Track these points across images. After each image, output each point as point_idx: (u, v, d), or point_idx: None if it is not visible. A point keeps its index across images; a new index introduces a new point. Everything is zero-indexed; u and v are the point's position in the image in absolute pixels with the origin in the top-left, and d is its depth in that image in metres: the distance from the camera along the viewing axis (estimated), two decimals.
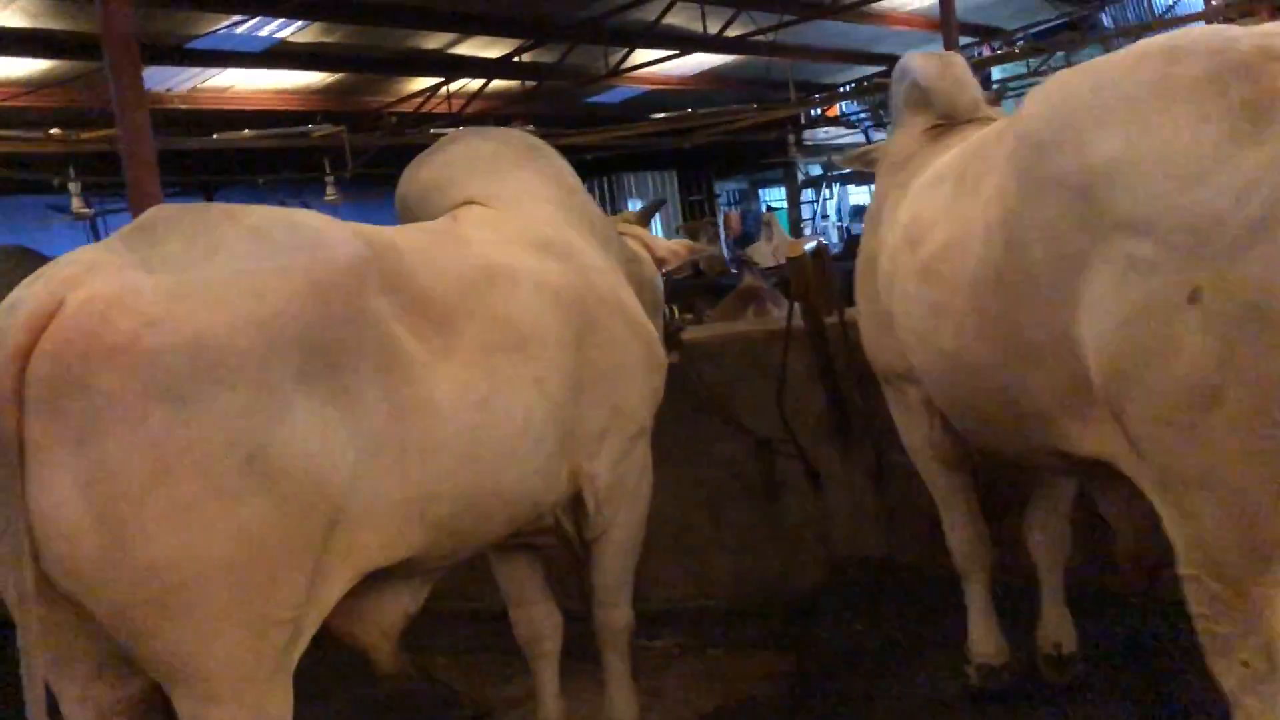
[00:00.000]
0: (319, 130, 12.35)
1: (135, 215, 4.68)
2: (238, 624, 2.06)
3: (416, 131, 13.34)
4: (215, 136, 11.71)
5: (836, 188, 21.80)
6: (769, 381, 4.20)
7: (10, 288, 2.16)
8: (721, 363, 4.33)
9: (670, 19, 11.64)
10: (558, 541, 3.21)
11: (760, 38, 12.60)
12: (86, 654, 2.15)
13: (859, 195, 23.40)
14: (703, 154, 18.03)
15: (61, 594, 2.04)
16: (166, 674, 2.09)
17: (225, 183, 14.41)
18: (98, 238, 14.53)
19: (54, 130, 10.22)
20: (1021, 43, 15.90)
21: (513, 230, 2.97)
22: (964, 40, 13.17)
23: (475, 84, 13.21)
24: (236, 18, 9.69)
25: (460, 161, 3.20)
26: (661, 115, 15.04)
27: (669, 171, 19.60)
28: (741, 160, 19.58)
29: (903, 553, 4.25)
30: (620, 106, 16.36)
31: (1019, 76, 15.65)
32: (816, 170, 21.56)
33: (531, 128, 14.34)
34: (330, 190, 12.75)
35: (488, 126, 3.53)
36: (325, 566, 2.22)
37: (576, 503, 3.02)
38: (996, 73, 16.25)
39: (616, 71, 12.36)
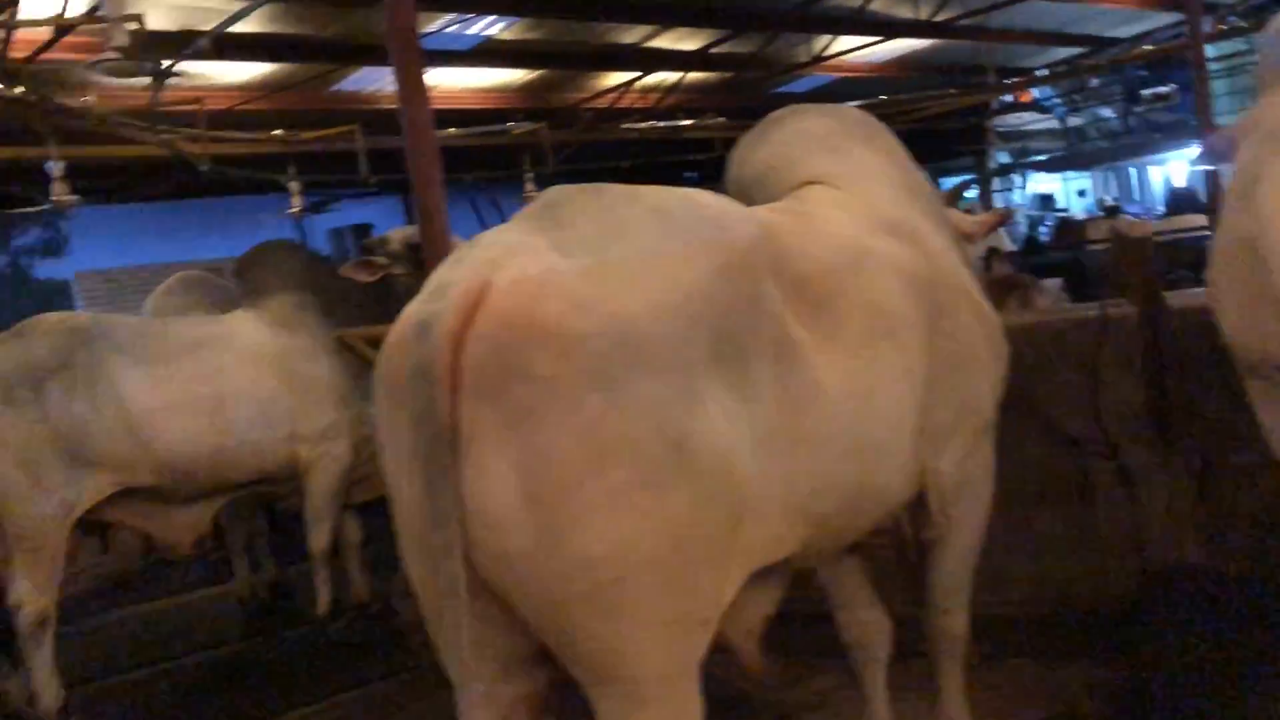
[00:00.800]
0: (520, 128, 12.52)
1: (420, 209, 4.75)
2: (665, 622, 1.96)
3: (610, 127, 13.42)
4: None
5: (1027, 175, 20.99)
6: (1076, 374, 3.92)
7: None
8: (1024, 354, 4.07)
9: (874, 4, 11.33)
10: (892, 543, 3.04)
11: (967, 20, 12.15)
12: (499, 651, 2.08)
13: (1044, 183, 22.51)
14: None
15: (488, 587, 1.97)
16: (590, 673, 1.99)
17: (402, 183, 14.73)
18: (304, 238, 15.13)
19: (276, 131, 10.60)
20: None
21: (860, 212, 2.82)
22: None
23: (667, 77, 13.12)
24: (450, 16, 9.83)
25: (799, 140, 3.05)
26: (858, 103, 14.64)
27: None
28: (929, 148, 18.97)
29: (1228, 561, 3.91)
30: (806, 96, 16.04)
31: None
32: (1004, 158, 20.79)
33: (723, 119, 14.30)
34: (529, 187, 12.91)
35: (813, 104, 3.34)
36: (728, 565, 2.11)
37: (918, 502, 2.85)
38: (1211, 50, 15.27)
39: (818, 59, 12.09)
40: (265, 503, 6.15)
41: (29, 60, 7.54)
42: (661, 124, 13.76)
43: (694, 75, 13.41)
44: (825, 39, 12.51)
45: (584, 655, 1.97)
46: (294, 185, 11.00)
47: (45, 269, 21.66)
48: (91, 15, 6.43)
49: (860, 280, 2.50)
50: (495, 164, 13.35)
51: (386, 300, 5.63)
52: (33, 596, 4.70)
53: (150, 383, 4.91)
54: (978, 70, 15.84)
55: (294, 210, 10.97)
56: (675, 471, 1.91)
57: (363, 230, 15.37)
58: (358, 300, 5.58)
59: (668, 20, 11.39)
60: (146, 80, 9.54)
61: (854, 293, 2.45)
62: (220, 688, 5.24)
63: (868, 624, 3.13)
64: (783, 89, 15.62)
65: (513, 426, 1.87)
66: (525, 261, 1.98)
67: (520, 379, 1.87)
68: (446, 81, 12.12)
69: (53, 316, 5.02)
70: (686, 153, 14.12)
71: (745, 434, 2.05)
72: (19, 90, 7.54)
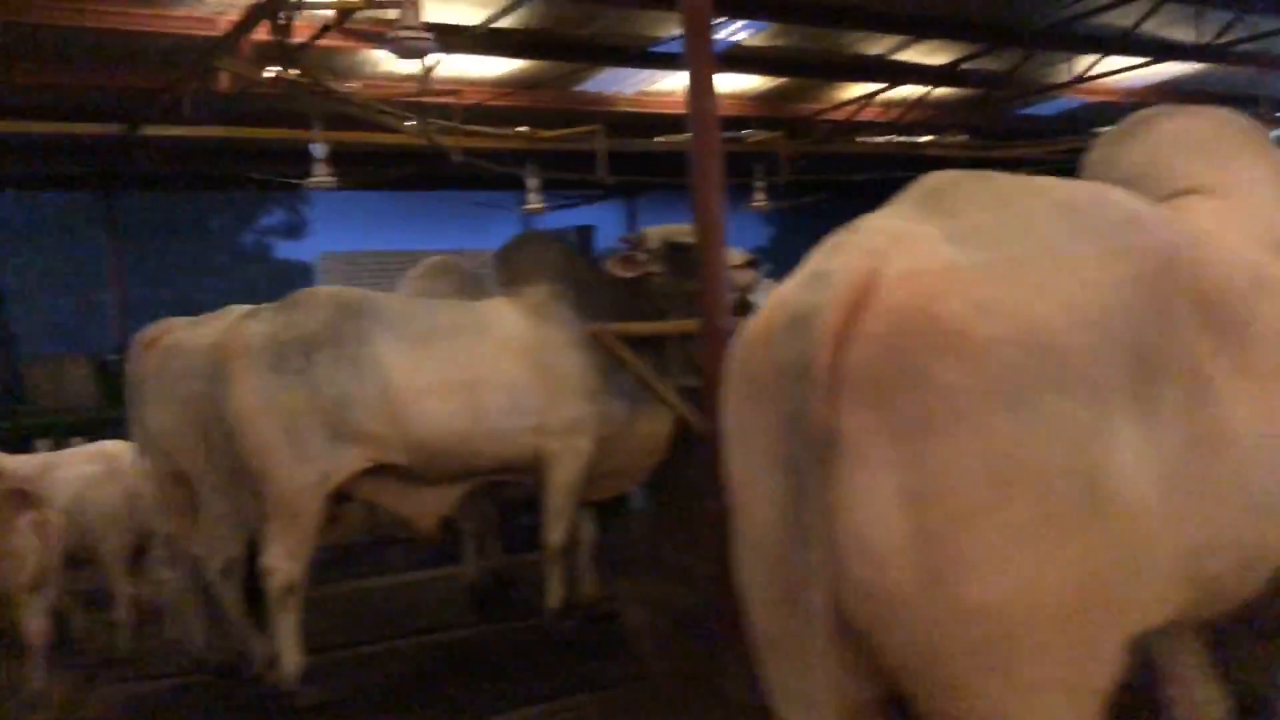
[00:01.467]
0: (756, 135, 12.36)
1: (699, 205, 4.58)
2: (1061, 688, 1.66)
3: (847, 140, 13.08)
4: (657, 140, 11.95)
5: None
6: None
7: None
8: None
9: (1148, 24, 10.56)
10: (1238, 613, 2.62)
11: (1248, 45, 11.21)
12: (842, 695, 1.83)
13: None
14: None
15: (847, 623, 1.73)
16: None
17: (652, 185, 14.79)
18: None
19: (521, 128, 10.76)
20: None
21: (1248, 227, 2.43)
22: None
23: (911, 91, 12.67)
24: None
25: (1174, 143, 2.69)
26: (1107, 130, 13.78)
27: None
28: None
29: None
30: (1054, 120, 15.24)
31: None
32: None
33: (965, 137, 13.72)
34: (759, 196, 12.74)
35: (1179, 105, 2.97)
36: (1126, 626, 1.79)
37: None
38: None
39: (1080, 80, 11.39)
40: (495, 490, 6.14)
41: (307, 45, 7.84)
42: (900, 139, 13.32)
43: (939, 91, 12.92)
44: (1084, 59, 11.83)
45: (952, 713, 1.71)
46: (532, 182, 11.15)
47: (287, 249, 22.97)
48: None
49: (1264, 306, 2.14)
50: (727, 171, 13.22)
51: (639, 299, 5.52)
52: (284, 563, 4.78)
53: (411, 362, 4.93)
54: (1250, 102, 14.68)
55: (531, 207, 11.10)
56: (1086, 510, 1.63)
57: (585, 232, 15.53)
58: (611, 297, 5.47)
59: (920, 31, 10.96)
60: (407, 71, 9.87)
61: (1261, 320, 2.10)
62: (449, 673, 5.21)
63: (1203, 704, 2.74)
64: (1029, 110, 14.91)
65: (902, 442, 1.63)
66: (917, 252, 1.73)
67: (914, 387, 1.63)
68: (686, 86, 12.08)
69: (325, 289, 5.12)
70: (925, 170, 13.65)
71: (1152, 474, 1.75)
72: (294, 73, 7.84)
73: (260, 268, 22.59)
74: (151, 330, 5.48)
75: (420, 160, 13.73)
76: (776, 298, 1.84)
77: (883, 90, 12.41)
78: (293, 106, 9.76)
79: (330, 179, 8.68)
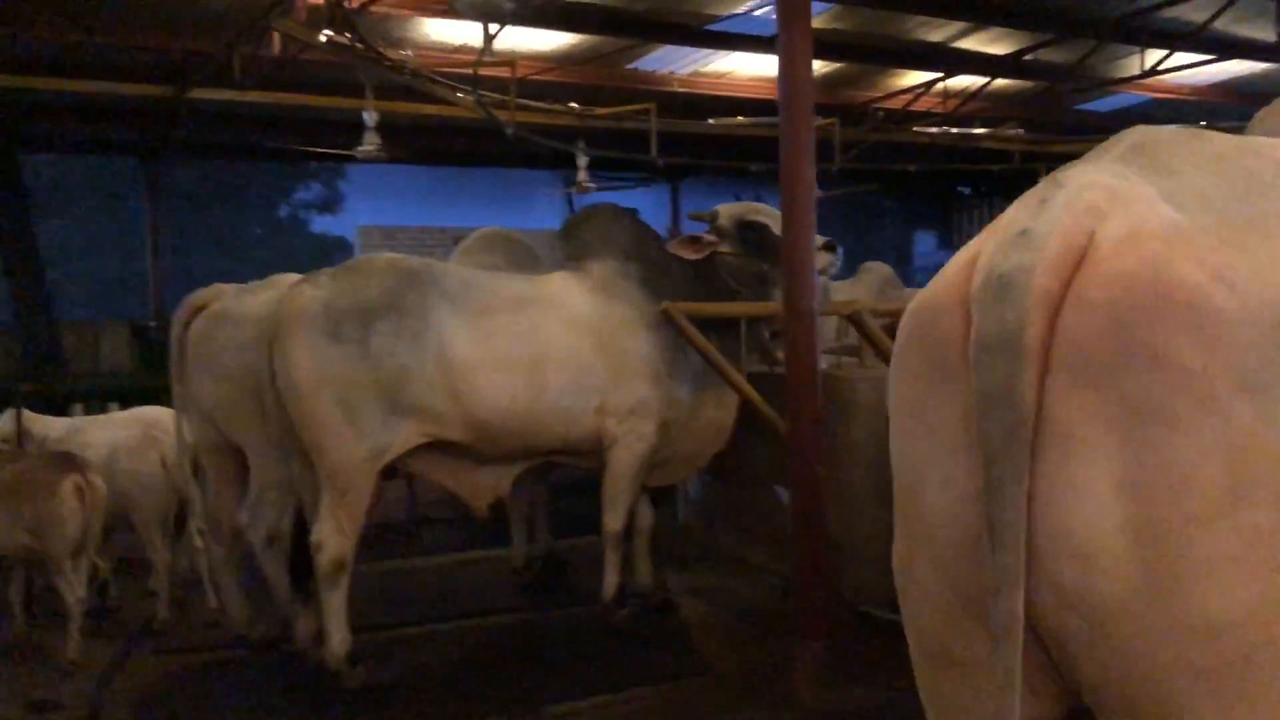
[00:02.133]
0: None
1: (787, 186, 4.36)
2: None
3: (903, 129, 12.79)
4: (710, 121, 11.71)
5: None
6: None
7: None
8: None
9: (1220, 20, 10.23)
10: None
11: None
12: (1029, 713, 1.60)
13: None
14: None
15: (1041, 632, 1.51)
16: None
17: (696, 168, 14.56)
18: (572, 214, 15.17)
19: (572, 104, 10.54)
20: None
21: None
22: None
23: (970, 82, 12.36)
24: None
25: None
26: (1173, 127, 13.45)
27: None
28: None
29: None
30: (1113, 116, 14.88)
31: None
32: None
33: (1021, 131, 13.39)
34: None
35: None
36: None
37: None
38: None
39: (1149, 73, 11.06)
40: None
41: (362, 9, 7.65)
42: (955, 130, 13.02)
43: (998, 83, 12.62)
44: (1149, 55, 11.51)
45: None
46: (582, 160, 10.93)
47: (324, 223, 22.88)
48: None
49: None
50: (774, 156, 12.96)
51: (708, 279, 5.31)
52: (335, 539, 4.60)
53: (473, 336, 4.73)
54: None
55: (580, 185, 10.89)
56: None
57: None
58: (678, 275, 5.25)
59: (985, 18, 10.65)
60: (460, 41, 9.68)
61: None
62: (500, 659, 5.02)
63: None
64: (1087, 105, 14.56)
65: (1126, 428, 1.40)
66: (1138, 212, 1.50)
67: (1143, 365, 1.40)
68: (741, 69, 11.83)
69: (385, 257, 4.91)
70: (982, 162, 13.34)
71: None
72: (348, 38, 7.65)
73: (297, 241, 22.51)
74: (200, 295, 5.30)
75: (466, 135, 13.56)
76: (964, 260, 1.61)
77: (941, 79, 12.12)
78: (341, 76, 9.60)
79: (379, 149, 8.47)
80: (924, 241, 22.86)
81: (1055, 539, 1.44)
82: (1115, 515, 1.40)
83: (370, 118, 8.40)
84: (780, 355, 5.62)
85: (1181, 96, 13.91)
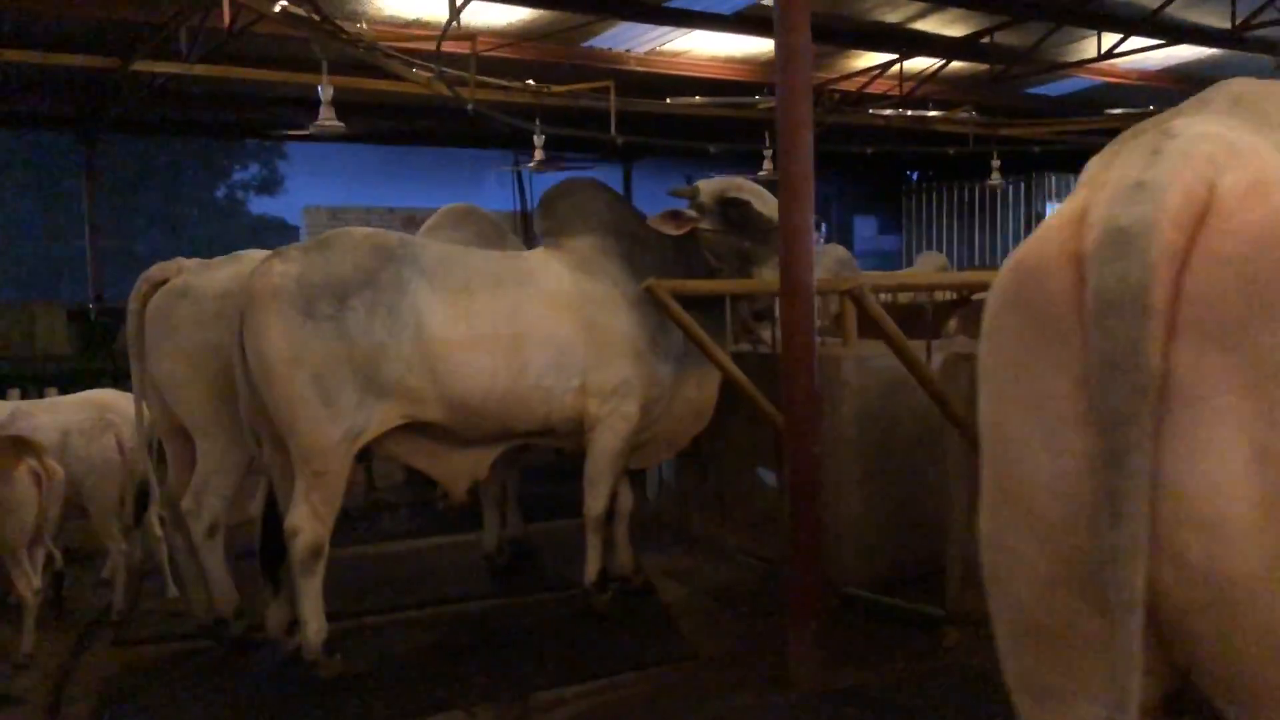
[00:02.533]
0: (767, 102, 12.02)
1: (784, 159, 4.24)
2: None
3: (857, 111, 12.77)
4: (669, 101, 11.59)
5: None
6: None
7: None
8: None
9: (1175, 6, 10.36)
10: None
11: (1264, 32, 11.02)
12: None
13: None
14: None
15: (1165, 611, 1.42)
16: None
17: (649, 149, 14.43)
18: (524, 194, 14.97)
19: (528, 81, 10.34)
20: None
21: None
22: None
23: (924, 64, 12.38)
24: None
25: None
26: (1119, 111, 13.63)
27: None
28: None
29: None
30: (1063, 100, 15.04)
31: None
32: None
33: (975, 113, 13.45)
34: (767, 164, 12.44)
35: None
36: None
37: None
38: None
39: (1100, 58, 11.17)
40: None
41: None
42: (910, 113, 13.04)
43: (952, 66, 12.65)
44: (1104, 39, 11.63)
45: None
46: (539, 139, 10.76)
47: (262, 204, 22.34)
48: None
49: None
50: (733, 137, 12.88)
51: (688, 256, 5.19)
52: (311, 524, 4.42)
53: (451, 313, 4.57)
54: None
55: (535, 164, 10.72)
56: None
57: None
58: (659, 252, 5.13)
59: None
60: (413, 16, 9.44)
61: None
62: (480, 646, 4.86)
63: None
64: (1038, 90, 14.67)
65: (1262, 390, 1.32)
66: (1259, 164, 1.42)
67: (1278, 323, 1.32)
68: (699, 48, 11.71)
69: (360, 230, 4.71)
70: (937, 145, 13.38)
71: None
72: (303, 10, 7.41)
73: (234, 222, 21.95)
74: (159, 269, 5.06)
75: (413, 113, 13.28)
76: (1069, 215, 1.51)
77: (897, 61, 12.12)
78: (291, 51, 9.32)
79: (337, 123, 8.22)
80: (865, 226, 22.91)
81: (1180, 510, 1.35)
82: (1248, 485, 1.32)
83: (326, 92, 8.14)
84: (764, 335, 5.53)
85: (1131, 81, 14.08)
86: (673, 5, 10.24)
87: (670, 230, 5.07)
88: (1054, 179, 17.51)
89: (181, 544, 5.06)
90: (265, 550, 4.73)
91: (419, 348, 4.48)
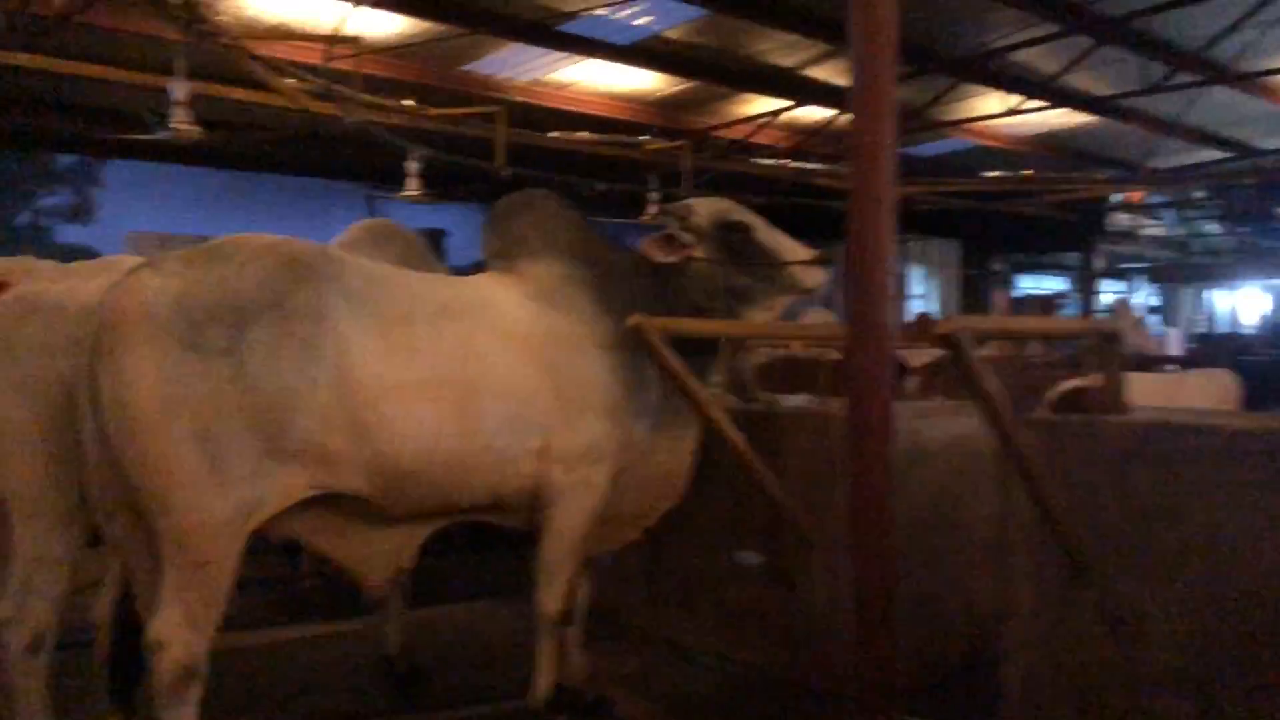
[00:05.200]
0: (655, 143, 11.34)
1: (861, 176, 3.34)
2: None
3: (743, 160, 12.23)
4: (553, 135, 10.73)
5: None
6: None
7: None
8: None
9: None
10: None
11: (1124, 102, 11.19)
12: None
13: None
14: (996, 226, 16.60)
15: None
16: None
17: (515, 186, 13.47)
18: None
19: (407, 102, 9.26)
20: None
21: None
22: None
23: (809, 114, 12.00)
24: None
25: None
26: (995, 174, 13.63)
27: (953, 241, 18.10)
28: (1033, 238, 17.92)
29: None
30: (931, 161, 14.99)
31: None
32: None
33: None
34: (651, 209, 11.70)
35: None
36: None
37: None
38: None
39: (1016, 112, 11.00)
40: None
41: None
42: (793, 165, 12.60)
43: (845, 117, 12.29)
44: (990, 99, 11.51)
45: None
46: (412, 166, 9.68)
47: (72, 233, 20.20)
48: None
49: None
50: (615, 177, 12.10)
51: (670, 289, 4.23)
52: (183, 634, 3.23)
53: (384, 351, 3.49)
54: (1113, 164, 15.02)
55: (411, 193, 9.61)
56: None
57: (436, 236, 13.94)
58: (635, 284, 4.17)
59: (838, 40, 10.19)
60: (278, 22, 8.30)
61: None
62: None
63: None
64: (910, 150, 14.51)
65: None
66: None
67: None
68: (585, 80, 10.90)
69: (262, 237, 3.54)
70: (821, 199, 12.91)
71: None
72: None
73: (39, 252, 19.67)
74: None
75: (253, 134, 11.93)
76: None
77: (790, 108, 11.63)
78: (125, 53, 8.02)
79: (194, 128, 6.95)
80: None
81: None
82: None
83: (179, 90, 6.87)
84: (758, 391, 4.64)
85: (1001, 144, 14.11)
86: (567, 30, 9.43)
87: (661, 257, 4.13)
88: (917, 244, 17.58)
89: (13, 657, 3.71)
90: (115, 666, 3.48)
91: (340, 395, 3.38)
